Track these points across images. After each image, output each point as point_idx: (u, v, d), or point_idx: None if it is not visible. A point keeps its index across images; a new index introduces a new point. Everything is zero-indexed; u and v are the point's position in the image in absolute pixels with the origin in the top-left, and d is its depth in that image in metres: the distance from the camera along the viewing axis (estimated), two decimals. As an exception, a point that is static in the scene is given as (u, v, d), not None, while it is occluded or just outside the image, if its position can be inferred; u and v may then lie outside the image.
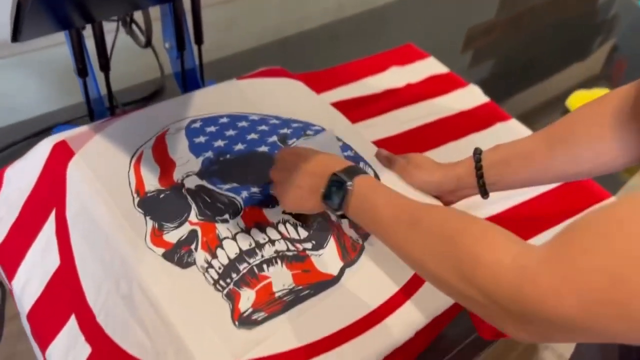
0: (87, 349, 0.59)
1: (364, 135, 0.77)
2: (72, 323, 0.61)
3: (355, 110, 0.93)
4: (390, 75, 1.05)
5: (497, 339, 0.69)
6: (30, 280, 0.66)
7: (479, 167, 0.65)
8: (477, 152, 0.66)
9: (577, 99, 1.03)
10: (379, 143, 0.77)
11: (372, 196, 0.53)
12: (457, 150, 0.91)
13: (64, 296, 0.63)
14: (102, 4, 0.71)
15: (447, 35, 1.30)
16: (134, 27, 0.87)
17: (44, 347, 0.63)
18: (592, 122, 0.59)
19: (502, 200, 0.84)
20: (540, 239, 0.79)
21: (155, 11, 0.85)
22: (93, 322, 0.59)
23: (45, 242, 0.66)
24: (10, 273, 0.68)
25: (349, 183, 0.53)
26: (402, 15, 1.34)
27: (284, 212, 0.64)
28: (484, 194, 0.67)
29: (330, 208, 0.56)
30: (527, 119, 0.99)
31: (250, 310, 0.54)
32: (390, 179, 0.69)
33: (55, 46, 1.15)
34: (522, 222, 0.82)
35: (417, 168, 0.69)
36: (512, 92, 1.13)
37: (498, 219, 0.80)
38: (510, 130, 0.96)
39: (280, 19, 1.28)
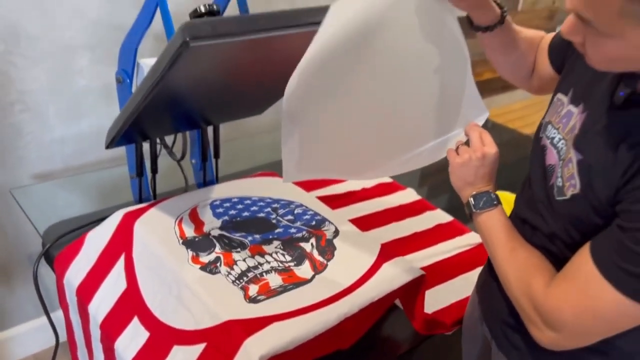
0: (146, 334, 0.89)
1: (329, 209, 1.15)
2: (135, 321, 0.92)
3: (327, 203, 1.31)
4: (350, 183, 1.45)
5: (430, 333, 1.00)
6: (104, 301, 0.98)
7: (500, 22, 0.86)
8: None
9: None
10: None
11: (496, 228, 0.79)
12: (399, 229, 1.29)
13: (129, 306, 0.94)
14: (159, 129, 1.13)
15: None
16: (171, 149, 1.28)
17: (112, 342, 0.93)
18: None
19: (430, 258, 1.19)
20: (457, 281, 1.14)
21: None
22: (151, 316, 0.91)
23: (116, 275, 0.99)
24: (87, 301, 1.00)
25: (495, 203, 0.81)
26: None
27: (276, 247, 0.99)
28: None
29: (469, 204, 0.82)
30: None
31: (256, 295, 0.87)
32: (348, 233, 1.06)
33: (94, 171, 1.55)
34: (447, 270, 1.17)
35: None
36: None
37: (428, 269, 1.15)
38: (436, 216, 1.35)
39: (271, 151, 1.72)
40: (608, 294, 0.63)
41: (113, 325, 0.94)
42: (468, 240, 1.27)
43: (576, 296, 0.67)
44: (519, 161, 1.92)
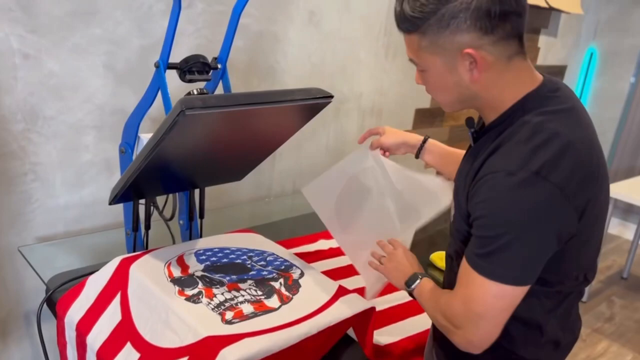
0: (137, 355, 1.06)
1: (297, 258, 1.35)
2: (128, 345, 1.08)
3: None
4: (319, 244, 1.66)
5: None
6: (101, 332, 1.14)
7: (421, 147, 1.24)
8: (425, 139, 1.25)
9: (437, 256, 1.64)
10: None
11: (425, 292, 0.99)
12: (359, 280, 1.47)
13: (123, 334, 1.11)
14: (152, 189, 1.34)
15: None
16: (161, 211, 1.49)
17: (106, 367, 1.09)
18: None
19: (386, 303, 1.37)
20: (408, 321, 1.32)
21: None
22: (142, 340, 1.07)
23: (113, 309, 1.16)
24: (86, 332, 1.16)
25: (417, 282, 1.02)
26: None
27: (249, 285, 1.17)
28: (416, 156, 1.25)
29: (406, 289, 1.04)
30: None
31: (231, 318, 1.05)
32: (312, 275, 1.25)
33: (90, 234, 1.74)
34: (400, 312, 1.34)
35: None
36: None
37: (384, 312, 1.32)
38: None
39: (249, 220, 1.93)
40: (476, 279, 0.83)
41: (108, 352, 1.10)
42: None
43: (462, 291, 0.86)
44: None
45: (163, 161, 1.18)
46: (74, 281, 1.36)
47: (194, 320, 1.03)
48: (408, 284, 1.04)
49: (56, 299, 1.29)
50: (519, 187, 0.80)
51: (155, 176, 1.27)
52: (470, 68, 0.85)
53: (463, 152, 1.30)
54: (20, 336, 1.72)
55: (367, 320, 1.15)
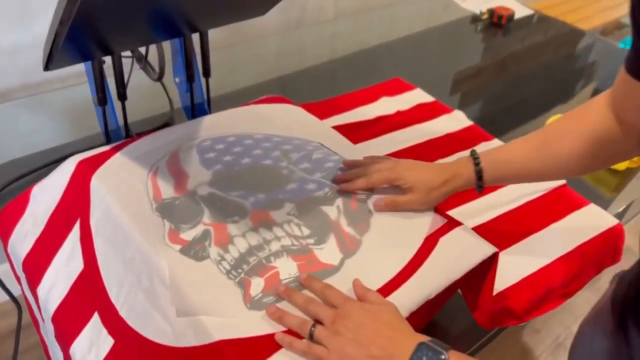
0: (110, 341, 0.64)
1: (359, 151, 0.85)
2: (96, 319, 0.66)
3: (351, 134, 0.99)
4: (381, 104, 1.14)
5: (493, 327, 0.74)
6: (55, 284, 0.71)
7: (478, 170, 0.72)
8: (475, 155, 0.74)
9: (555, 121, 1.12)
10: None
11: None
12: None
13: (87, 296, 0.68)
14: (121, 38, 0.80)
15: (434, 78, 1.37)
16: (147, 63, 0.96)
17: (67, 345, 0.68)
18: (574, 139, 0.68)
19: (489, 211, 0.91)
20: (525, 245, 0.86)
21: (166, 53, 0.94)
22: (116, 316, 0.65)
23: (70, 249, 0.72)
24: (35, 281, 0.74)
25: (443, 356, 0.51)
26: (391, 57, 1.44)
27: (288, 214, 0.70)
28: (480, 188, 0.74)
29: None
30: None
31: (260, 295, 0.60)
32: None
33: (67, 88, 1.25)
34: (509, 229, 0.88)
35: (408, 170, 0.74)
36: (498, 132, 1.18)
37: (484, 228, 0.86)
38: (494, 149, 1.04)
39: (277, 62, 1.39)
40: None
41: (68, 322, 0.69)
42: (539, 184, 0.97)
43: None
44: (570, 59, 1.58)
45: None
46: (24, 180, 0.92)
47: (197, 301, 0.59)
48: None
49: (-3, 209, 0.86)
50: None
51: (117, 17, 0.72)
52: None
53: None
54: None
55: (485, 270, 0.69)
